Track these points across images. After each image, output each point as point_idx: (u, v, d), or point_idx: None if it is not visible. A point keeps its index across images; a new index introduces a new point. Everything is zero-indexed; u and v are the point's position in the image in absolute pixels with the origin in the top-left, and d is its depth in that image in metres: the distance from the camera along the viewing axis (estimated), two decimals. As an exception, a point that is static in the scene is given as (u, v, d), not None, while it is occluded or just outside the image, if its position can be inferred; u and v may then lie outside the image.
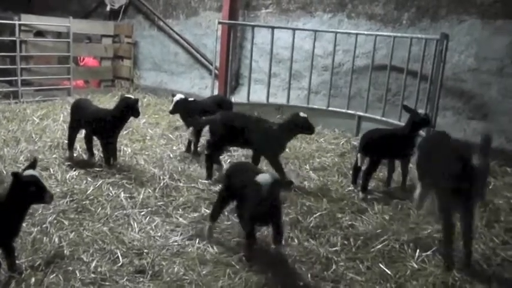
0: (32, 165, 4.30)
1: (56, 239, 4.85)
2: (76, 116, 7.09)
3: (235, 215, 5.16)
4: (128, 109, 6.70)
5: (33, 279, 4.13)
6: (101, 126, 6.81)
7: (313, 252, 4.91)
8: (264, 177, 4.35)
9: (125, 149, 7.62)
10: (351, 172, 6.90)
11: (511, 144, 8.31)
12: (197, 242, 4.96)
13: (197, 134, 7.85)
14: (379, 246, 5.09)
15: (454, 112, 9.02)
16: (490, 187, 6.96)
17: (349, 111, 9.49)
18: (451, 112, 9.03)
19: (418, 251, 5.00)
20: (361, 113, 9.33)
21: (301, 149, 8.28)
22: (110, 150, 6.92)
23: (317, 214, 5.70)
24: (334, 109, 9.69)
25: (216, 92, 10.84)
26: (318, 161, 7.56)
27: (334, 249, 4.98)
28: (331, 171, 7.23)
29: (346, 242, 5.17)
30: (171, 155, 7.69)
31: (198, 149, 7.90)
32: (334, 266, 4.69)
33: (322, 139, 8.83)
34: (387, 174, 6.85)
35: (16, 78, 11.24)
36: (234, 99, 10.60)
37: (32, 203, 4.29)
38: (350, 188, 6.66)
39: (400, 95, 8.88)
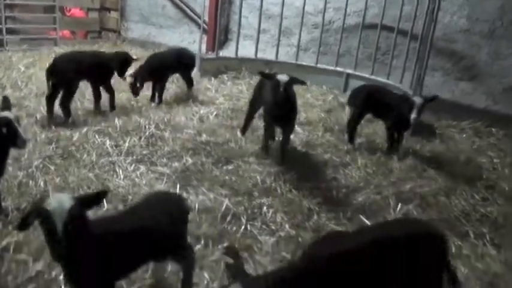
0: (7, 104, 4.25)
1: (42, 183, 4.90)
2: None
3: None
4: None
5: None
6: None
7: (295, 203, 4.99)
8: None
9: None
10: (336, 127, 6.94)
11: (498, 106, 8.38)
12: (178, 189, 5.03)
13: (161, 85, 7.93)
14: (361, 198, 5.20)
15: (443, 73, 9.04)
16: (475, 146, 7.08)
17: (338, 69, 9.46)
18: (440, 73, 9.04)
19: (400, 204, 5.12)
20: (349, 71, 9.30)
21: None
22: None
23: (301, 167, 5.75)
24: (323, 66, 9.64)
25: (204, 47, 10.76)
26: (304, 115, 7.56)
27: (316, 200, 5.06)
28: (316, 126, 7.24)
29: (328, 194, 5.25)
30: (157, 105, 7.68)
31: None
32: (315, 217, 4.78)
33: (309, 95, 8.81)
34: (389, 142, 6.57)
35: (0, 26, 11.01)
36: (222, 53, 10.52)
37: (4, 145, 4.15)
38: (334, 143, 6.70)
39: (390, 53, 8.85)
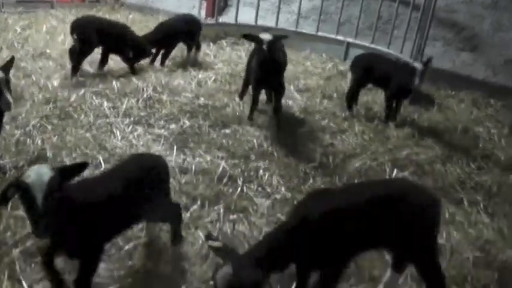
0: (7, 66, 4.17)
1: (39, 142, 4.90)
2: None
3: None
4: None
5: (16, 179, 4.18)
6: None
7: (291, 166, 5.02)
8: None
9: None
10: (335, 95, 6.91)
11: (497, 77, 8.34)
12: (175, 150, 5.05)
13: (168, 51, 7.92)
14: (357, 164, 5.21)
15: (443, 43, 8.95)
16: (472, 117, 7.07)
17: (338, 37, 9.36)
18: (441, 42, 8.96)
19: (395, 170, 5.15)
20: (350, 40, 9.21)
21: (287, 71, 8.18)
22: None
23: (298, 132, 5.75)
24: (323, 34, 9.54)
25: (203, 13, 10.61)
26: (303, 82, 7.54)
27: (312, 164, 5.08)
28: (315, 93, 7.21)
29: (325, 160, 5.27)
30: (155, 69, 7.62)
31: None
32: (311, 180, 4.82)
33: (308, 62, 8.75)
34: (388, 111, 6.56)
35: (-4, -13, 10.83)
36: (221, 19, 10.40)
37: None
38: (332, 110, 6.69)
39: (391, 23, 8.75)
